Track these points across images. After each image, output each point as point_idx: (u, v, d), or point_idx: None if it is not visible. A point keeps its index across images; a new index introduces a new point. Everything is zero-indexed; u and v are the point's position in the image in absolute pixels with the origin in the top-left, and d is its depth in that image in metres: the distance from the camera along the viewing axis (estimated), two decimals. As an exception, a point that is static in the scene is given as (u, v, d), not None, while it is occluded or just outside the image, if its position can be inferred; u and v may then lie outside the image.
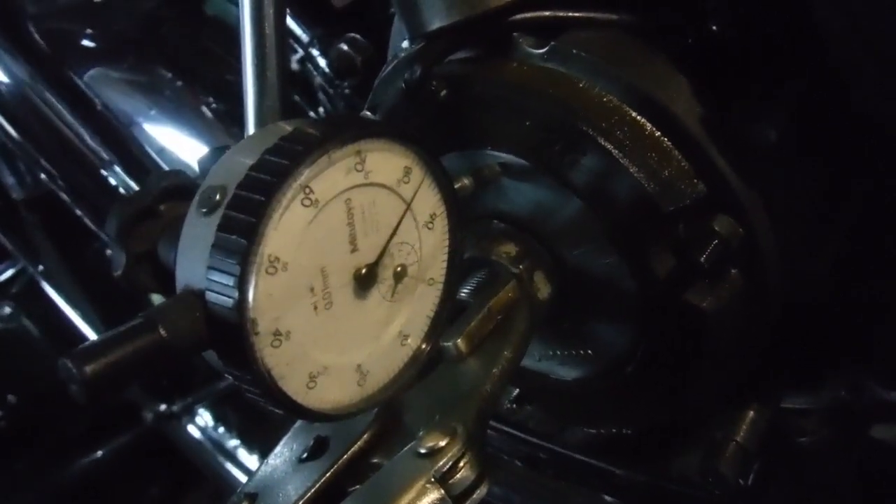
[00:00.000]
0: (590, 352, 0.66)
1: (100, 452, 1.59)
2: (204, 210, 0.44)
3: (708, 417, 0.66)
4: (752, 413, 0.68)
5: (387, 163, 0.47)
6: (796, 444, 0.74)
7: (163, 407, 1.51)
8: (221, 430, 1.53)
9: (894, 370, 0.68)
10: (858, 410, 0.71)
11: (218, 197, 0.43)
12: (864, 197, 0.63)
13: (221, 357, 0.44)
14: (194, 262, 0.43)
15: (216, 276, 0.42)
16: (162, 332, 0.41)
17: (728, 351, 0.60)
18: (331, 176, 0.44)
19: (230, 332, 0.42)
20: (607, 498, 0.75)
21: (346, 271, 0.47)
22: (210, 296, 0.42)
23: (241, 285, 0.41)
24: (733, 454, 0.65)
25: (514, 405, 0.74)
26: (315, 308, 0.45)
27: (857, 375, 0.69)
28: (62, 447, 1.58)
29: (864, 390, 0.69)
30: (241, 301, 0.41)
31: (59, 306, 1.55)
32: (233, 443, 1.52)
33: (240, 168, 0.43)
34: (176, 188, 0.57)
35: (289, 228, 0.43)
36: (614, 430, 0.70)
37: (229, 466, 1.51)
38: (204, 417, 1.54)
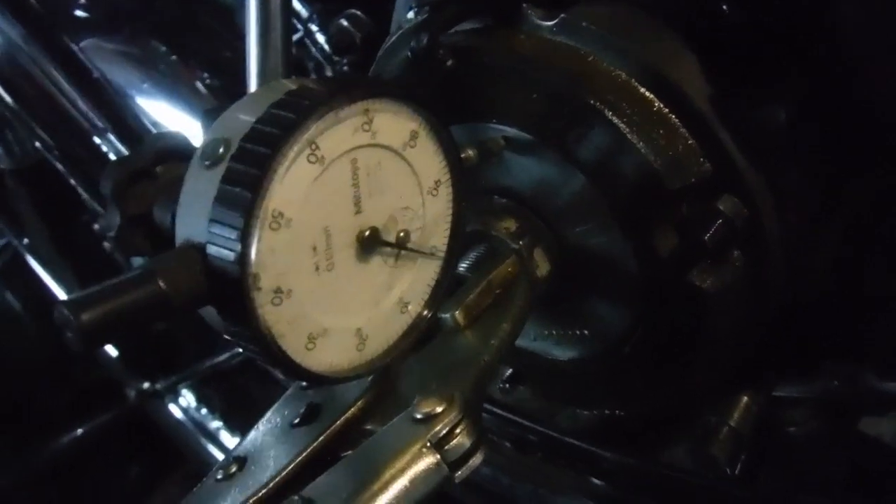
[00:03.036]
0: (586, 332, 0.65)
1: (81, 430, 1.57)
2: (207, 162, 0.43)
3: (704, 401, 0.66)
4: (745, 398, 0.68)
5: (394, 124, 0.46)
6: (787, 433, 0.74)
7: (146, 385, 1.50)
8: (204, 410, 1.52)
9: (888, 362, 0.69)
10: (850, 401, 0.71)
11: (222, 150, 0.42)
12: (870, 187, 0.63)
13: (221, 312, 0.43)
14: (196, 216, 0.42)
15: (218, 229, 0.41)
16: (161, 284, 0.40)
17: (727, 334, 0.60)
18: (338, 133, 0.43)
19: (231, 286, 0.41)
20: (597, 481, 0.74)
21: (349, 232, 0.46)
22: (211, 249, 0.41)
23: (244, 239, 0.40)
24: (726, 438, 0.65)
25: (507, 385, 0.73)
26: (317, 268, 0.44)
27: (850, 366, 0.69)
28: (43, 424, 1.56)
29: (857, 381, 0.69)
30: (244, 255, 0.40)
31: (44, 281, 1.53)
32: (215, 424, 1.51)
33: (245, 121, 0.43)
34: (173, 149, 0.56)
35: (294, 184, 0.42)
36: (607, 412, 0.69)
37: (211, 448, 1.50)
38: (187, 397, 1.52)
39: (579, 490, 0.76)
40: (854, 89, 0.56)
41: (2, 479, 1.54)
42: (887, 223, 0.65)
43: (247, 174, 0.40)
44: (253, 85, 0.56)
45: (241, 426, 1.49)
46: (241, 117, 0.43)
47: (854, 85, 0.56)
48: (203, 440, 1.50)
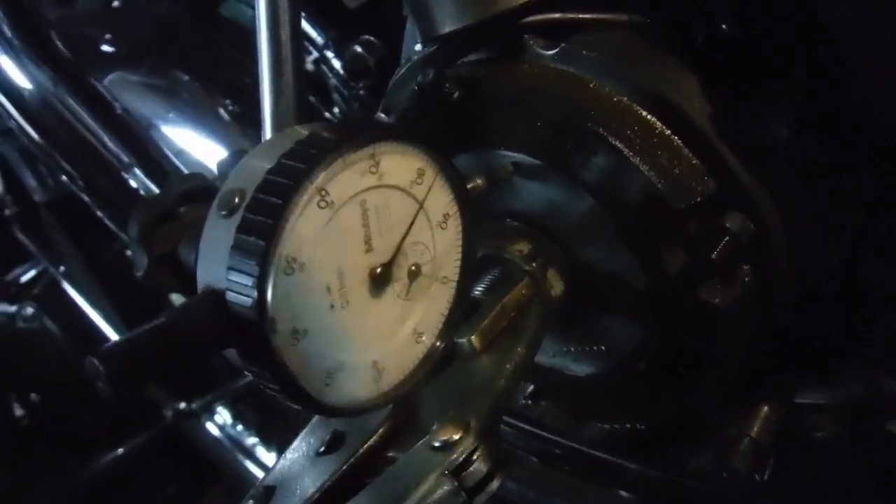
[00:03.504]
0: (602, 348, 0.67)
1: (120, 450, 1.61)
2: (223, 212, 0.45)
3: (720, 413, 0.67)
4: (765, 409, 0.68)
5: (400, 164, 0.48)
6: (811, 439, 0.74)
7: (182, 405, 1.53)
8: (240, 427, 1.55)
9: (908, 365, 0.69)
10: (873, 406, 0.71)
11: (237, 199, 0.44)
12: (874, 193, 0.63)
13: (241, 355, 0.45)
14: (215, 263, 0.44)
15: (236, 277, 0.43)
16: (184, 330, 0.43)
17: (739, 347, 0.61)
18: (346, 178, 0.45)
19: (250, 330, 0.43)
20: (622, 493, 0.75)
21: (361, 271, 0.48)
22: (230, 295, 0.43)
23: (260, 285, 0.42)
24: (747, 449, 0.65)
25: (530, 401, 0.75)
26: (332, 307, 0.46)
27: (871, 371, 0.69)
28: (83, 445, 1.60)
29: (879, 386, 0.69)
30: (260, 301, 0.42)
31: (80, 306, 1.58)
32: (251, 440, 1.54)
33: (257, 171, 0.45)
34: (195, 191, 0.59)
35: (305, 230, 0.44)
36: (628, 426, 0.70)
37: (247, 463, 1.52)
38: (222, 415, 1.56)
39: (605, 503, 0.77)
40: (852, 97, 0.56)
41: (43, 499, 1.58)
42: (893, 224, 0.65)
43: (261, 224, 0.43)
44: (267, 129, 0.58)
45: (276, 442, 1.52)
46: (255, 167, 0.45)
47: (852, 93, 0.57)
48: (239, 456, 1.53)
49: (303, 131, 0.47)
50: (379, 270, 0.48)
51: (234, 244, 0.43)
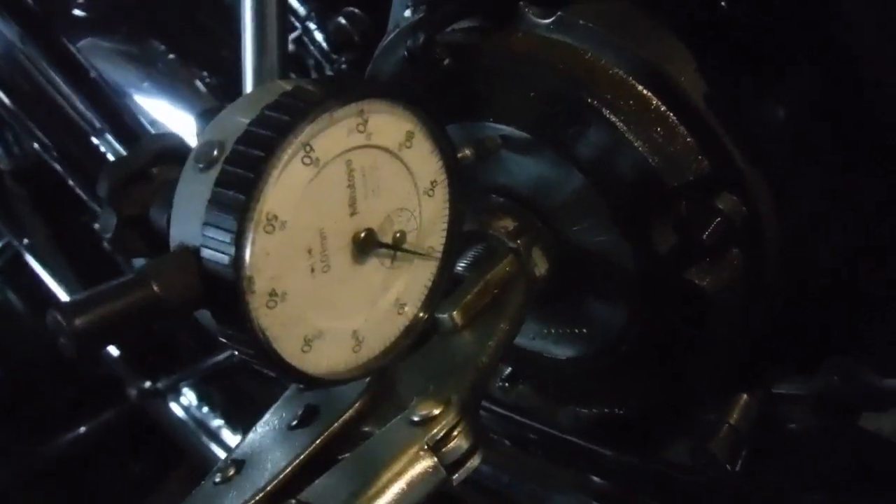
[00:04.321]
0: (585, 331, 0.65)
1: (83, 428, 1.57)
2: (201, 165, 0.42)
3: (702, 399, 0.66)
4: (745, 396, 0.67)
5: (390, 125, 0.46)
6: (787, 429, 0.74)
7: (147, 384, 1.50)
8: (206, 409, 1.52)
9: (887, 359, 0.68)
10: (850, 398, 0.71)
11: (216, 152, 0.42)
12: (871, 184, 0.62)
13: (215, 316, 0.43)
14: (190, 219, 0.42)
15: (212, 233, 0.41)
16: (155, 288, 0.40)
17: (726, 332, 0.60)
18: (332, 135, 0.43)
19: (225, 289, 0.41)
20: (596, 479, 0.74)
21: (344, 234, 0.46)
22: (206, 252, 0.41)
23: (238, 242, 0.40)
24: (726, 436, 0.65)
25: (507, 384, 0.73)
26: (312, 270, 0.44)
27: (850, 363, 0.69)
28: (45, 422, 1.57)
29: (857, 378, 0.69)
30: (238, 258, 0.40)
31: (44, 280, 1.54)
32: (217, 422, 1.51)
33: (239, 123, 0.42)
34: (169, 151, 0.56)
35: (288, 186, 0.42)
36: (606, 410, 0.69)
37: (213, 446, 1.50)
38: (188, 396, 1.53)
39: (579, 488, 0.76)
40: (855, 86, 0.56)
41: (3, 476, 1.54)
42: (888, 221, 0.64)
43: (241, 177, 0.40)
44: (249, 85, 0.56)
45: (242, 424, 1.50)
46: (236, 119, 0.43)
47: (855, 82, 0.56)
48: (204, 438, 1.51)
49: (287, 85, 0.45)
50: (363, 235, 0.46)
51: (212, 198, 0.41)
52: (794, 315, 0.63)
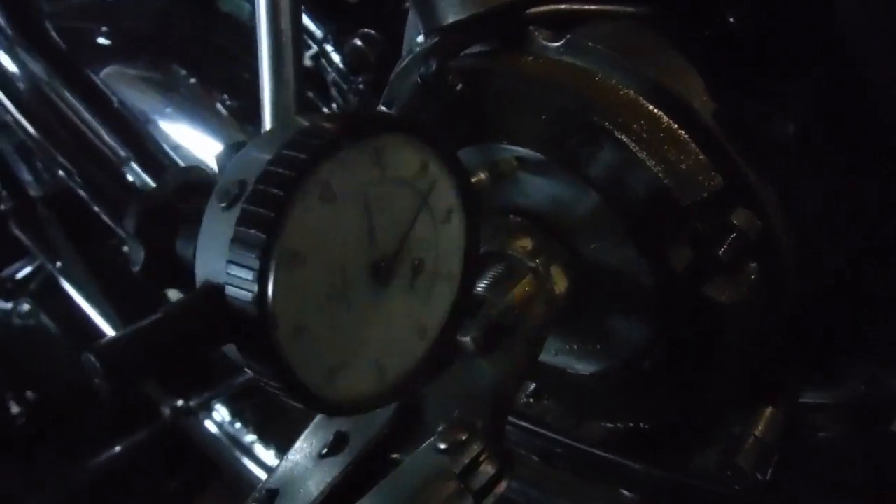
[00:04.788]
0: (606, 346, 0.66)
1: (118, 448, 1.60)
2: (223, 204, 0.44)
3: (725, 412, 0.66)
4: (770, 408, 0.67)
5: (404, 157, 0.47)
6: (814, 438, 0.73)
7: (180, 402, 1.52)
8: (238, 425, 1.54)
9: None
10: (876, 405, 0.70)
11: (237, 191, 0.43)
12: (882, 191, 0.62)
13: (241, 351, 0.44)
14: (214, 257, 0.43)
15: (236, 271, 0.42)
16: (182, 325, 0.42)
17: (746, 345, 0.60)
18: (349, 170, 0.44)
19: (250, 326, 0.42)
20: (625, 493, 0.74)
21: (364, 266, 0.47)
22: (230, 290, 0.42)
23: (261, 279, 0.41)
24: (752, 448, 0.65)
25: (532, 400, 0.74)
26: (334, 303, 0.45)
27: (875, 370, 0.69)
28: (81, 443, 1.59)
29: (883, 385, 0.69)
30: (261, 295, 0.41)
31: (77, 303, 1.57)
32: (250, 438, 1.53)
33: (258, 162, 0.44)
34: (194, 184, 0.57)
35: (307, 223, 0.43)
36: (631, 425, 0.70)
37: (246, 461, 1.52)
38: (221, 413, 1.55)
39: (608, 501, 0.76)
40: (859, 88, 0.56)
41: (41, 498, 1.57)
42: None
43: (261, 216, 0.41)
44: (267, 120, 0.57)
45: (274, 440, 1.51)
46: (255, 158, 0.44)
47: (859, 84, 0.56)
48: (238, 454, 1.53)
49: (304, 122, 0.46)
50: (382, 265, 0.47)
51: (234, 237, 0.42)
52: (817, 323, 0.63)
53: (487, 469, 0.46)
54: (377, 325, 0.48)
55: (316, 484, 0.50)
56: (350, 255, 0.45)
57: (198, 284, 0.45)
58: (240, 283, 0.42)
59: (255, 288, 0.41)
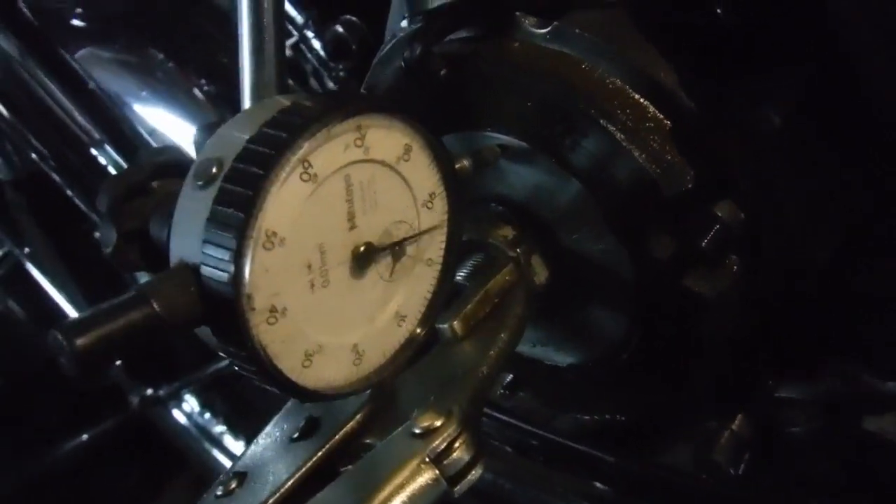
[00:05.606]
0: (585, 338, 0.65)
1: (84, 436, 1.57)
2: (200, 183, 0.43)
3: (704, 405, 0.66)
4: (746, 403, 0.67)
5: (387, 139, 0.46)
6: (788, 434, 0.74)
7: (149, 391, 1.50)
8: (207, 416, 1.52)
9: (888, 362, 0.68)
10: (852, 401, 0.71)
11: (214, 169, 0.42)
12: (867, 187, 0.63)
13: (215, 333, 0.43)
14: (189, 236, 0.42)
15: (211, 250, 0.41)
16: (155, 306, 0.40)
17: (724, 338, 0.60)
18: (330, 150, 0.43)
19: (225, 307, 0.41)
20: (598, 485, 0.74)
21: (343, 249, 0.46)
22: (205, 270, 0.41)
23: (238, 259, 0.40)
24: (728, 442, 0.65)
25: (507, 391, 0.73)
26: (312, 285, 0.44)
27: (850, 366, 0.69)
28: (46, 430, 1.57)
29: (858, 381, 0.69)
30: (237, 275, 0.40)
31: (45, 289, 1.54)
32: (219, 429, 1.51)
33: (237, 140, 0.42)
34: (169, 165, 0.56)
35: (287, 203, 0.42)
36: (608, 417, 0.69)
37: (215, 452, 1.50)
38: (190, 403, 1.53)
39: (581, 494, 0.76)
40: (850, 89, 0.56)
41: (4, 485, 1.54)
42: (885, 223, 0.64)
43: (239, 195, 0.40)
44: (247, 100, 0.56)
45: (244, 431, 1.50)
46: (234, 136, 0.43)
47: (850, 84, 0.56)
48: (206, 445, 1.51)
49: (285, 101, 0.45)
50: (362, 249, 0.46)
51: (211, 216, 0.41)
52: (793, 319, 0.63)
53: (462, 455, 0.45)
54: (355, 310, 0.48)
55: (286, 467, 0.49)
56: (330, 237, 0.45)
57: (172, 264, 0.44)
58: (215, 262, 0.41)
59: (231, 268, 0.40)
